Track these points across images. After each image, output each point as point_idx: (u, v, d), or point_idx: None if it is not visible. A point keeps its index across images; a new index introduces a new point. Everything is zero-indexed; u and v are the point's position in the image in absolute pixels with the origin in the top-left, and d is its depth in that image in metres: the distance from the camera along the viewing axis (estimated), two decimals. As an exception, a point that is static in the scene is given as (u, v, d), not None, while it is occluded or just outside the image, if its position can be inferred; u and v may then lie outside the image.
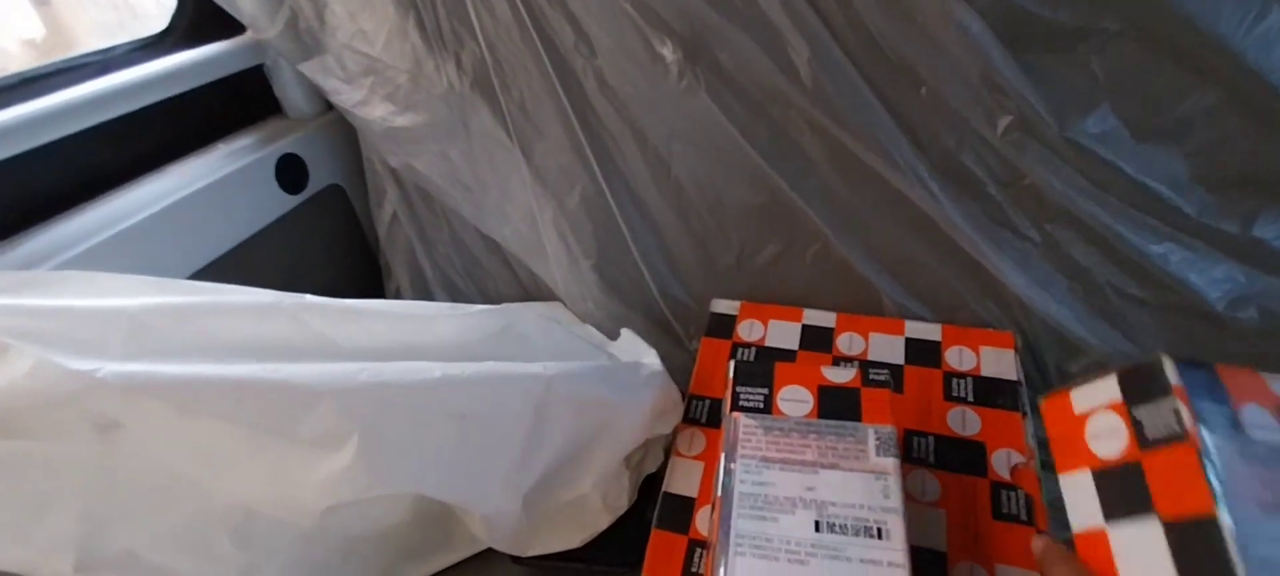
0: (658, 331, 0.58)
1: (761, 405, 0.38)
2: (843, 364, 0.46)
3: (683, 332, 0.59)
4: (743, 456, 0.36)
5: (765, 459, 0.36)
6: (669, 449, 0.48)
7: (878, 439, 0.35)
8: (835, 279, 0.52)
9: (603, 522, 0.44)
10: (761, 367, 0.40)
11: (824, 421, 0.37)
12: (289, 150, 0.64)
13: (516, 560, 0.44)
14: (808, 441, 0.36)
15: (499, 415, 0.38)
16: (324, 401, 0.32)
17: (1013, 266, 0.44)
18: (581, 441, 0.43)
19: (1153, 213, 0.38)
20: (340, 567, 0.40)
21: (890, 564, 0.31)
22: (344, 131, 0.67)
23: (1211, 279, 0.38)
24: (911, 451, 0.43)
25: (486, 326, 0.45)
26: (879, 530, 0.32)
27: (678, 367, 0.50)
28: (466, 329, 0.44)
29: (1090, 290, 0.42)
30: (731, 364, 0.41)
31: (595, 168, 0.52)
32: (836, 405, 0.38)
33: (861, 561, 0.31)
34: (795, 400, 0.38)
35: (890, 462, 0.34)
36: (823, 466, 0.35)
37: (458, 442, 0.37)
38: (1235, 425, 0.23)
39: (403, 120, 0.57)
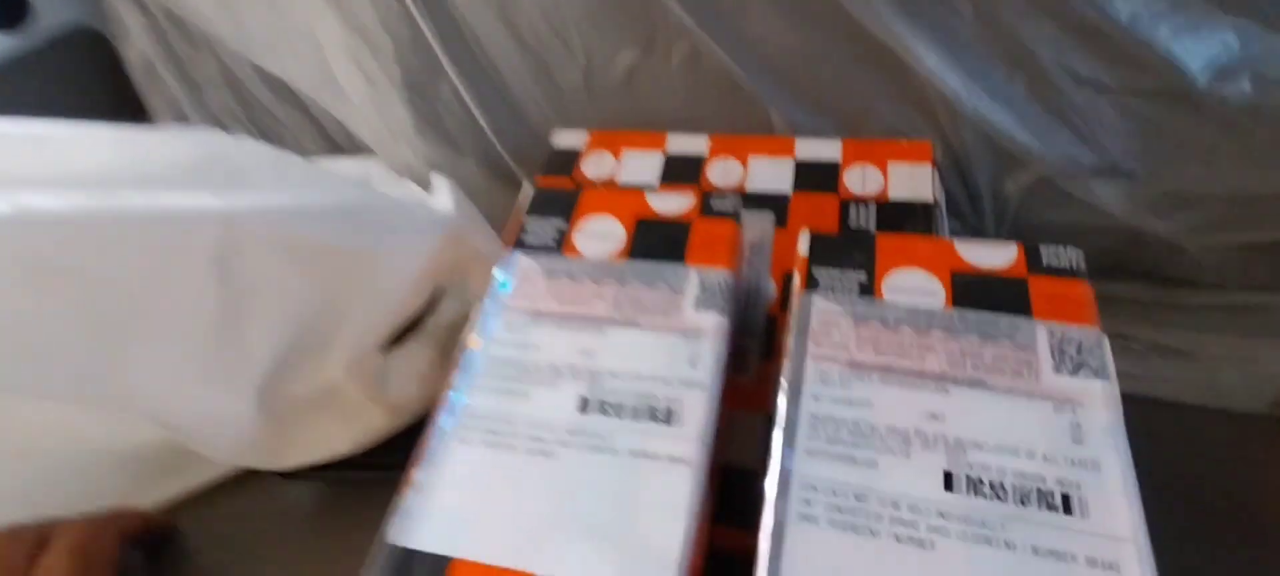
0: (499, 182, 0.44)
1: (551, 242, 0.28)
2: (691, 194, 0.33)
3: (528, 180, 0.43)
4: (508, 309, 0.26)
5: (536, 312, 0.26)
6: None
7: (701, 288, 0.25)
8: (710, 92, 0.40)
9: (376, 421, 0.32)
10: (562, 195, 0.29)
11: (632, 263, 0.27)
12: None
13: (286, 475, 0.34)
14: (603, 289, 0.26)
15: (153, 272, 0.27)
16: None
17: (936, 53, 0.36)
18: (322, 308, 0.30)
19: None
20: (51, 491, 0.31)
21: (671, 458, 0.21)
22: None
23: (1193, 45, 0.33)
24: (789, 300, 0.32)
25: (172, 154, 0.30)
26: (668, 411, 0.22)
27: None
28: (135, 157, 0.29)
29: (1036, 77, 0.36)
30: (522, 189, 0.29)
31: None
32: (655, 242, 0.27)
33: (630, 454, 0.22)
34: (599, 235, 0.28)
35: (710, 320, 0.24)
36: (615, 323, 0.25)
37: (82, 314, 0.26)
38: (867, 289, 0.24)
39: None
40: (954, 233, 0.40)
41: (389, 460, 0.30)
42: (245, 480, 0.36)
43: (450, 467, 0.22)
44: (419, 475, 0.22)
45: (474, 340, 0.25)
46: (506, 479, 0.22)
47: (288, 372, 0.29)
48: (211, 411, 0.28)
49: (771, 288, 0.33)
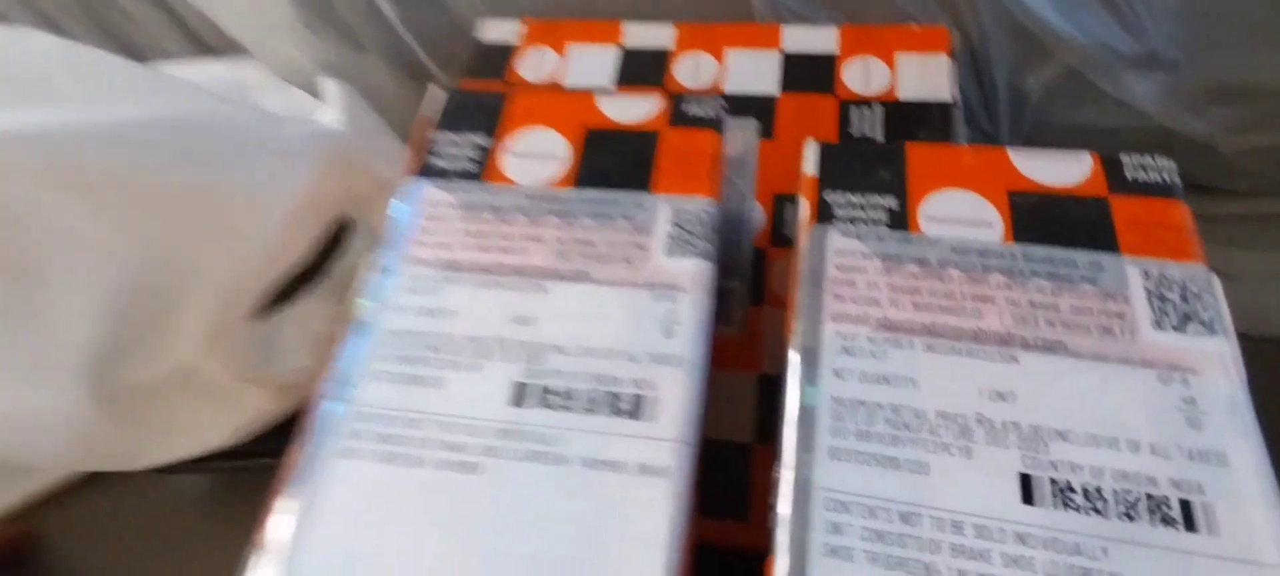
0: (410, 86, 0.37)
1: (470, 165, 0.21)
2: (656, 98, 0.25)
3: (448, 82, 0.35)
4: (410, 261, 0.19)
5: (449, 264, 0.19)
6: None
7: (675, 225, 0.19)
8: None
9: (260, 404, 0.25)
10: (483, 100, 0.22)
11: (581, 192, 0.20)
12: None
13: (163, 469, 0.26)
14: (540, 230, 0.19)
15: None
16: None
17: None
18: (160, 266, 0.22)
19: None
20: None
21: (642, 468, 0.15)
22: None
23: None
24: (779, 229, 0.27)
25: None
26: (635, 401, 0.16)
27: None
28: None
29: (1072, -54, 0.29)
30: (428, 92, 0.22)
31: None
32: (611, 163, 0.20)
33: (583, 465, 0.15)
34: (535, 154, 0.21)
35: (689, 269, 0.18)
36: (559, 277, 0.18)
37: None
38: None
39: None
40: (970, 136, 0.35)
41: (285, 446, 0.24)
42: (113, 475, 0.29)
43: (331, 492, 0.16)
44: (284, 503, 0.16)
45: (362, 306, 0.18)
46: (410, 506, 0.15)
47: (125, 354, 0.22)
48: (23, 412, 0.21)
49: (758, 214, 0.26)
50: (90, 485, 0.30)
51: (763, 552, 0.21)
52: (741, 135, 0.28)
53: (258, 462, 0.28)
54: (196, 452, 0.25)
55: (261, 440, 0.26)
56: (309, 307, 0.26)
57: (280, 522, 0.16)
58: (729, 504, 0.22)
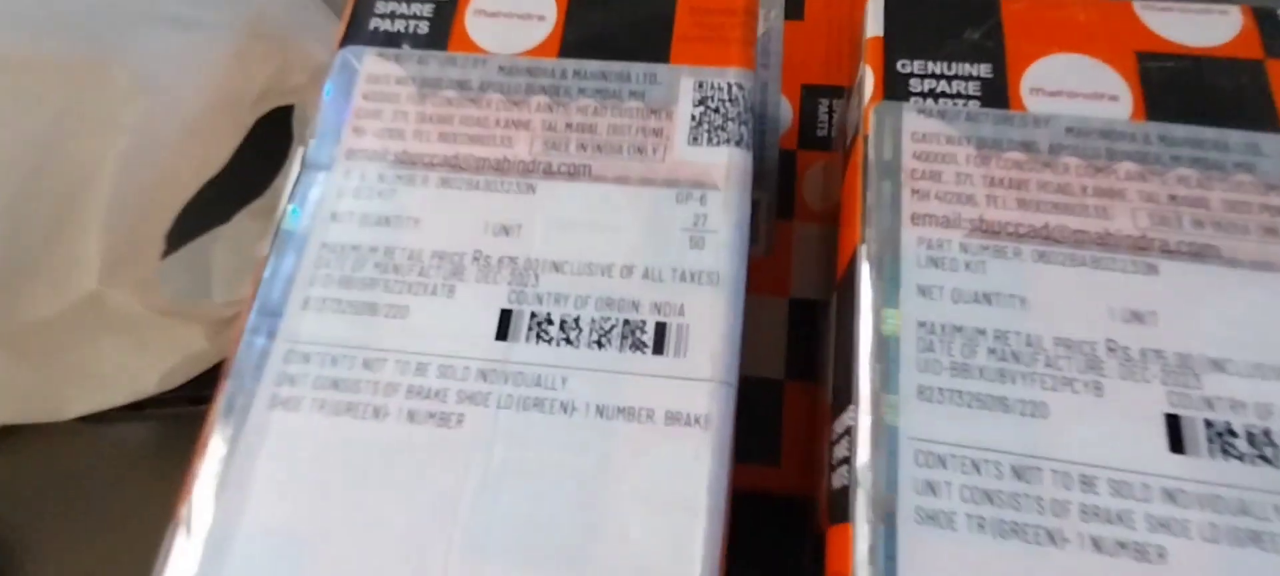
0: None
1: (426, 27, 0.16)
2: None
3: None
4: (353, 155, 0.14)
5: (405, 158, 0.14)
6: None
7: (701, 104, 0.14)
8: None
9: (192, 343, 0.21)
10: None
11: (575, 63, 0.15)
12: None
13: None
14: (523, 112, 0.15)
15: None
16: None
17: None
18: (39, 174, 0.17)
19: None
20: None
21: (671, 417, 0.12)
22: None
23: None
24: (811, 130, 0.22)
25: None
26: (658, 331, 0.12)
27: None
28: None
29: None
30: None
31: None
32: (614, 23, 0.15)
33: (596, 414, 0.12)
34: (514, 12, 0.16)
35: (720, 160, 0.14)
36: (549, 174, 0.14)
37: None
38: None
39: None
40: None
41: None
42: (42, 424, 0.26)
43: (264, 453, 0.12)
44: (206, 467, 0.12)
45: (289, 214, 0.14)
46: (370, 469, 0.12)
47: (16, 286, 0.17)
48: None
49: (786, 110, 0.22)
50: (19, 432, 0.26)
51: (796, 500, 0.19)
52: (761, 12, 0.23)
53: (200, 410, 0.24)
54: (125, 400, 0.21)
55: (203, 384, 0.22)
56: (244, 226, 0.22)
57: (204, 493, 0.12)
58: (758, 447, 0.19)
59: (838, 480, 0.12)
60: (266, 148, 0.24)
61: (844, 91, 0.22)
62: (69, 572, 0.23)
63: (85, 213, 0.17)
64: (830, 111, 0.22)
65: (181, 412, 0.24)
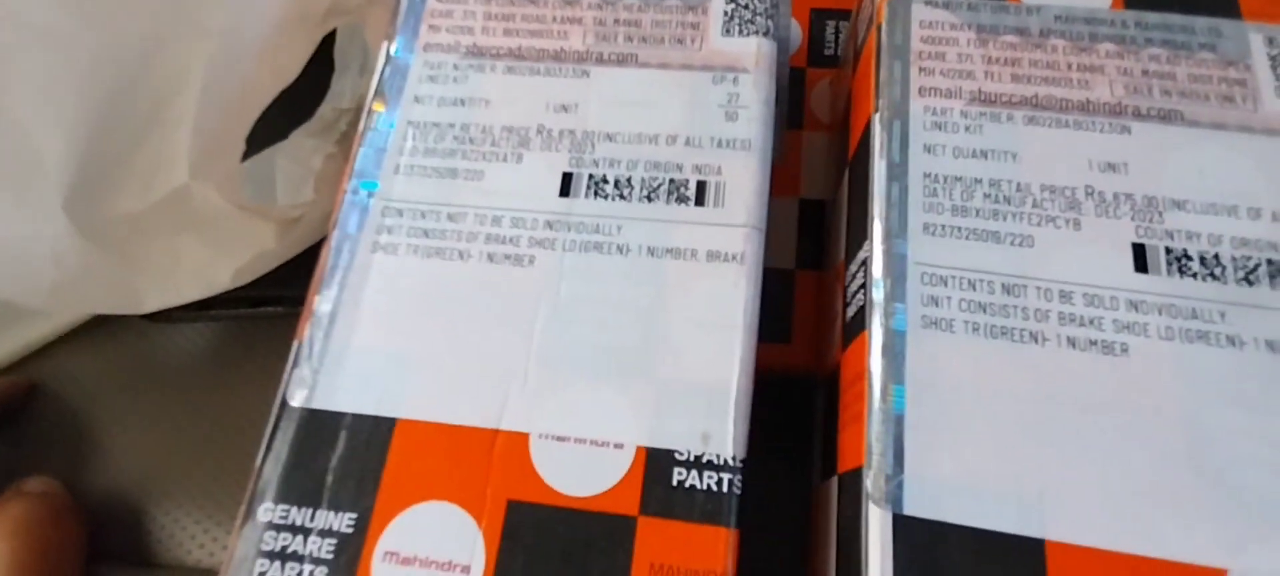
0: None
1: None
2: None
3: None
4: (430, 48, 0.17)
5: (475, 50, 0.17)
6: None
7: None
8: None
9: (263, 240, 0.22)
10: None
11: None
12: None
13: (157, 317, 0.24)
14: (576, 10, 0.17)
15: None
16: None
17: None
18: (139, 69, 0.19)
19: None
20: None
21: (711, 254, 0.14)
22: None
23: None
24: (819, 50, 0.24)
25: None
26: (699, 187, 0.15)
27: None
28: None
29: None
30: None
31: None
32: None
33: (648, 254, 0.14)
34: None
35: (750, 48, 0.16)
36: (602, 62, 0.16)
37: None
38: None
39: None
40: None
41: (295, 292, 0.22)
42: (113, 324, 0.27)
43: (369, 287, 0.14)
44: (323, 304, 0.14)
45: (380, 102, 0.16)
46: (458, 299, 0.14)
47: (109, 179, 0.19)
48: (3, 244, 0.19)
49: (795, 31, 0.24)
50: (90, 332, 0.28)
51: (805, 375, 0.21)
52: (779, -57, 0.25)
53: (263, 311, 0.26)
54: (200, 294, 0.23)
55: (267, 285, 0.24)
56: (301, 142, 0.24)
57: (319, 321, 0.14)
58: (771, 328, 0.21)
59: (854, 307, 0.14)
60: (310, 72, 0.26)
61: (850, 14, 0.24)
62: (135, 462, 0.25)
63: (176, 111, 0.19)
64: (837, 32, 0.24)
65: (242, 314, 0.26)
